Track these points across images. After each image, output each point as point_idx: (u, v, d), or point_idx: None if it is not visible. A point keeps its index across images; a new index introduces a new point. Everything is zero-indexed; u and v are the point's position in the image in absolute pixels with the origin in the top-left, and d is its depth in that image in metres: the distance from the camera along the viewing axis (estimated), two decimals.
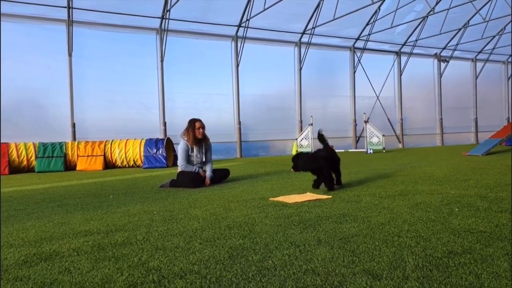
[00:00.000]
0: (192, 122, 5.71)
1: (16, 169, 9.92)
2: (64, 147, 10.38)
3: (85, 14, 11.78)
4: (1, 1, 10.71)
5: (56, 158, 10.13)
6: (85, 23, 12.03)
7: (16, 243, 2.59)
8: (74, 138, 11.71)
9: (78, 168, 10.18)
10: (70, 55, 11.88)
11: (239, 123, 14.42)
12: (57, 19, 11.66)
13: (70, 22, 11.65)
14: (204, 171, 5.76)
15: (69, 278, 1.88)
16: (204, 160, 5.79)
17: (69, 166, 10.33)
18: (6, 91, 11.22)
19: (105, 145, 10.63)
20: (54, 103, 11.94)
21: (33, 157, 10.11)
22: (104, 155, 10.48)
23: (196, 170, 5.65)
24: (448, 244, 2.25)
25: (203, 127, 5.68)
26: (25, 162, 10.05)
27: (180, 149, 5.70)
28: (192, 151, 5.68)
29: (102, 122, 12.32)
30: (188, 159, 5.69)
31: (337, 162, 5.01)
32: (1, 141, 10.18)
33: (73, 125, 11.89)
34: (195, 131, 5.63)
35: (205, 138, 5.78)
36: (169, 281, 1.81)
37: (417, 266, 1.90)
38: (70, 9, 11.47)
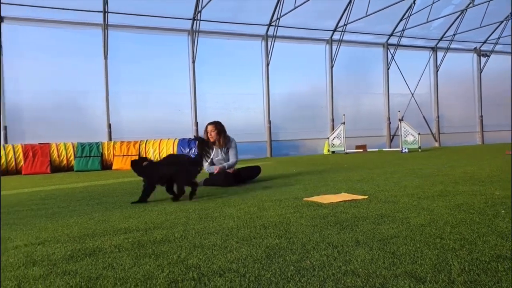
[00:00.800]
0: (206, 126, 5.83)
1: (56, 168, 10.31)
2: (100, 147, 10.71)
3: (119, 18, 12.10)
4: (42, 8, 11.13)
5: (94, 157, 10.46)
6: (120, 26, 12.36)
7: (62, 239, 2.69)
8: (110, 138, 12.06)
9: (114, 167, 10.46)
10: (105, 57, 12.24)
11: (269, 122, 14.42)
12: (93, 23, 12.05)
13: (105, 26, 11.99)
14: (227, 167, 5.78)
15: (113, 274, 1.93)
16: (225, 159, 5.85)
17: (106, 165, 10.64)
18: (46, 94, 11.72)
19: (139, 145, 10.88)
20: (91, 104, 12.37)
21: (72, 157, 10.48)
22: (139, 155, 10.72)
23: (218, 170, 5.68)
24: (495, 247, 2.16)
25: (212, 130, 5.71)
26: (64, 162, 10.43)
27: None
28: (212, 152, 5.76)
29: (137, 122, 12.64)
30: (212, 162, 5.79)
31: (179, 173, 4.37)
32: (43, 142, 10.60)
33: (109, 126, 12.24)
34: (208, 134, 5.71)
35: (220, 142, 5.74)
36: (209, 278, 1.83)
37: (463, 270, 1.83)
38: (106, 14, 11.80)
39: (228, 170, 5.67)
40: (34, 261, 2.19)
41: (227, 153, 5.83)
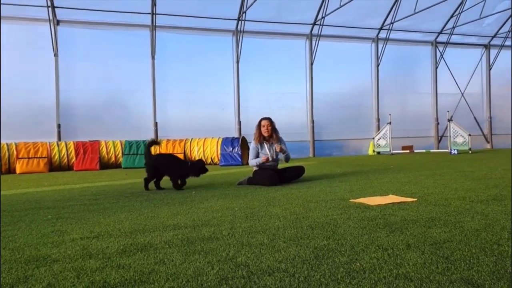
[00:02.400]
0: (259, 121, 5.90)
1: (105, 164, 10.75)
2: None
3: (166, 19, 12.42)
4: (94, 11, 11.64)
5: (140, 155, 10.79)
6: (167, 27, 12.69)
7: (114, 234, 2.80)
8: (156, 137, 12.41)
9: None
10: (153, 58, 12.60)
11: (312, 121, 14.30)
12: (141, 25, 12.45)
13: (153, 27, 12.35)
14: (286, 158, 5.87)
15: (165, 269, 1.98)
16: (276, 158, 5.85)
17: None
18: (97, 93, 12.26)
19: (185, 143, 11.13)
20: (138, 103, 12.80)
21: (120, 154, 10.88)
22: (184, 153, 10.97)
23: (261, 162, 5.72)
24: None
25: (268, 125, 5.75)
26: (113, 159, 10.84)
27: (250, 148, 5.96)
28: (262, 148, 5.78)
29: (182, 121, 12.93)
30: (257, 157, 5.80)
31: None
32: (93, 140, 11.07)
33: (156, 124, 12.60)
34: (261, 129, 5.75)
35: (272, 137, 5.80)
36: (258, 277, 1.84)
37: None
38: (154, 15, 12.15)
39: (271, 159, 5.69)
40: (90, 254, 2.30)
41: (275, 149, 5.84)
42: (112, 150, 10.90)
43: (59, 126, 11.79)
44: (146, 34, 12.60)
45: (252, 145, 5.86)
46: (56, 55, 11.72)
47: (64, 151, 10.48)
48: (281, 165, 6.05)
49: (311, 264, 2.01)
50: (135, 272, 1.96)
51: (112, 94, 12.53)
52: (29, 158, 10.03)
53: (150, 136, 12.34)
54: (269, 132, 5.75)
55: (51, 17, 11.34)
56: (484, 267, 1.90)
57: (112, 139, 11.18)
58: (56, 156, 10.39)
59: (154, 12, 12.11)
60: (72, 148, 10.53)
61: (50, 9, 11.27)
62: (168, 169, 5.39)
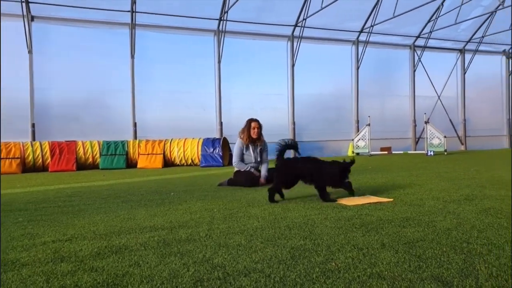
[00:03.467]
0: (249, 121, 5.86)
1: (82, 165, 10.54)
2: (126, 146, 10.89)
3: (147, 17, 12.28)
4: (71, 7, 11.41)
5: (119, 156, 10.65)
6: (147, 26, 12.54)
7: (88, 236, 2.75)
8: (135, 137, 12.26)
9: (139, 165, 10.63)
10: (132, 57, 12.45)
11: (293, 123, 14.37)
12: (121, 23, 12.28)
13: (133, 26, 12.20)
14: (258, 171, 5.83)
15: (139, 271, 1.96)
16: (259, 160, 5.85)
17: (131, 164, 10.82)
18: (74, 92, 12.01)
19: (164, 144, 11.03)
20: (117, 103, 12.58)
21: (98, 155, 10.69)
22: (164, 154, 10.88)
23: (248, 169, 5.71)
24: None
25: (258, 127, 5.76)
26: (90, 159, 10.65)
27: (235, 147, 5.90)
28: (247, 149, 5.77)
29: (162, 121, 12.80)
30: (242, 158, 5.79)
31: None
32: (70, 140, 10.85)
33: (135, 125, 12.44)
34: (250, 130, 5.73)
35: (259, 139, 5.82)
36: (234, 278, 1.84)
37: (490, 275, 1.79)
38: (133, 13, 12.00)
39: (262, 180, 5.67)
40: (62, 257, 2.25)
41: (259, 153, 5.84)
42: (89, 150, 10.70)
43: (33, 125, 11.51)
44: (125, 33, 12.43)
45: (238, 145, 5.80)
46: (30, 52, 11.44)
47: (38, 151, 10.22)
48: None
49: (287, 264, 2.02)
50: (108, 275, 1.93)
51: (90, 93, 12.28)
52: (0, 158, 9.73)
53: (129, 136, 12.16)
54: (257, 134, 5.76)
55: (25, 13, 11.05)
56: (453, 264, 1.95)
57: (89, 139, 10.97)
58: (30, 157, 10.13)
59: (134, 10, 11.97)
60: (47, 148, 10.29)
61: (24, 4, 10.99)
62: (315, 176, 4.14)
